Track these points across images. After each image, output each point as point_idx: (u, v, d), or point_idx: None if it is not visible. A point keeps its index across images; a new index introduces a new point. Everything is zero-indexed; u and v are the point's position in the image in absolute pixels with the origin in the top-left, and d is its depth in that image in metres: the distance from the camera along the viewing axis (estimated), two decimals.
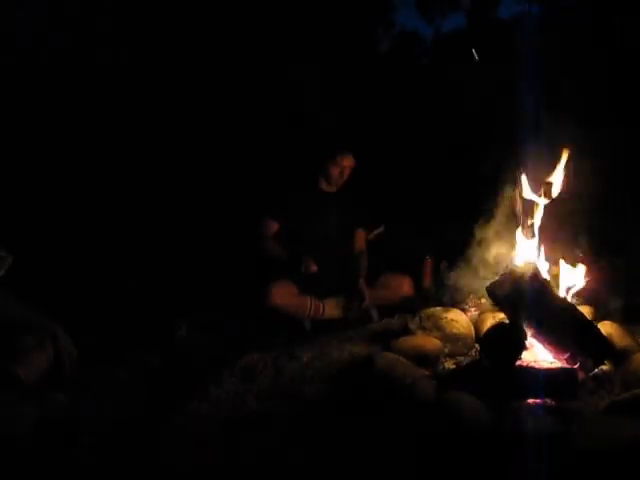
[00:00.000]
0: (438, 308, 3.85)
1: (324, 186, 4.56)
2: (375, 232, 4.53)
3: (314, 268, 4.32)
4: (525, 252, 3.70)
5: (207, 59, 5.47)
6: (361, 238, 4.69)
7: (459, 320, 3.72)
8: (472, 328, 3.74)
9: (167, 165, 5.30)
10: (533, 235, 3.69)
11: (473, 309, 4.04)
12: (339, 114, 5.37)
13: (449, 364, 3.52)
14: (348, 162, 4.45)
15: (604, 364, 3.31)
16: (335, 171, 4.45)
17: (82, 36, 5.22)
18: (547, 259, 3.73)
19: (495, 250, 3.87)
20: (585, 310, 3.63)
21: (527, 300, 3.35)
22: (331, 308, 4.39)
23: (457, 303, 4.09)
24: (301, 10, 5.70)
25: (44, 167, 4.97)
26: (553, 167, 3.68)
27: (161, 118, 5.31)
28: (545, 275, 3.59)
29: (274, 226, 4.48)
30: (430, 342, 3.55)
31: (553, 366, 3.24)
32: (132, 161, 5.23)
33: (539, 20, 5.71)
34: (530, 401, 2.96)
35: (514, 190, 3.80)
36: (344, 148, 4.44)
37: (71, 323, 3.34)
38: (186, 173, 5.32)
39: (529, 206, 3.72)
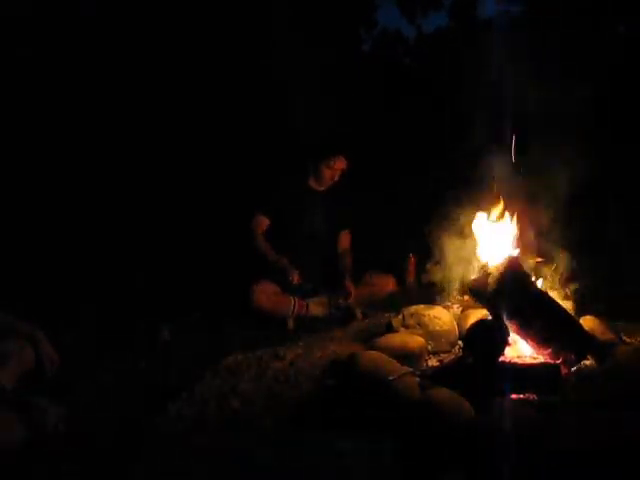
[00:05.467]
0: (421, 305, 3.84)
1: (313, 184, 4.55)
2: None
3: (298, 280, 4.31)
4: (506, 248, 3.71)
5: (201, 59, 5.48)
6: (346, 238, 4.70)
7: (442, 317, 3.72)
8: (455, 325, 3.74)
9: (151, 167, 5.29)
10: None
11: (456, 306, 4.04)
12: (332, 114, 5.38)
13: (432, 361, 3.52)
14: (341, 165, 4.46)
15: (587, 359, 3.33)
16: (328, 173, 4.46)
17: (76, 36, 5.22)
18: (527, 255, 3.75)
19: (476, 247, 3.88)
20: (567, 305, 3.64)
21: (509, 296, 3.36)
22: (315, 307, 4.39)
23: (440, 300, 4.10)
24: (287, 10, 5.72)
25: (32, 167, 4.96)
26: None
27: (151, 115, 5.30)
28: (527, 271, 3.61)
29: (265, 222, 4.46)
30: (413, 340, 3.54)
31: (536, 362, 3.26)
32: (116, 165, 5.22)
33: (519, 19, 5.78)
34: (513, 397, 2.96)
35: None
36: (339, 151, 4.44)
37: (54, 326, 3.33)
38: (172, 173, 5.31)
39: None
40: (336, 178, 4.49)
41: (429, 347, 3.59)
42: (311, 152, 4.52)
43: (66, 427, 2.79)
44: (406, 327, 3.70)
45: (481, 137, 4.30)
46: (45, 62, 5.14)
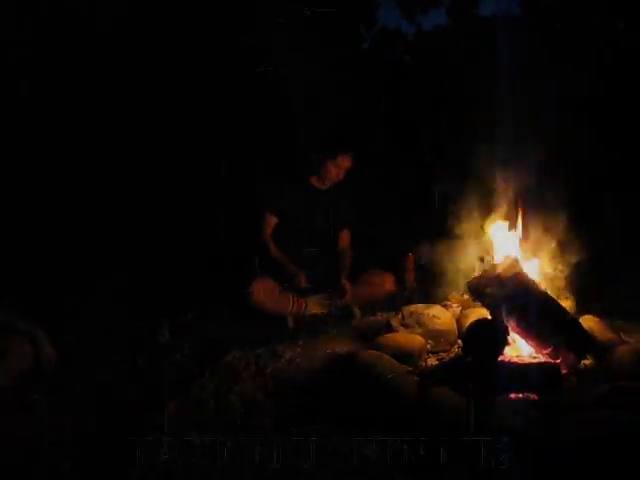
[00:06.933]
0: (420, 305, 3.85)
1: (315, 182, 4.54)
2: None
3: (305, 284, 4.33)
4: (505, 247, 3.71)
5: (202, 60, 5.47)
6: (346, 236, 4.70)
7: (441, 316, 3.72)
8: (454, 324, 3.74)
9: (150, 165, 5.28)
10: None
11: (455, 305, 4.05)
12: (335, 112, 5.37)
13: (432, 360, 3.53)
14: (347, 163, 4.45)
15: (586, 358, 3.32)
16: (334, 171, 4.44)
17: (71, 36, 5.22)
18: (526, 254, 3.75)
19: (476, 246, 3.88)
20: (566, 304, 3.64)
21: (509, 295, 3.36)
22: (314, 305, 4.39)
23: (439, 299, 4.10)
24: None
25: (32, 167, 4.95)
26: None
27: (152, 114, 5.29)
28: (526, 270, 3.60)
29: (274, 221, 4.46)
30: (413, 339, 3.55)
31: (535, 361, 3.26)
32: (113, 160, 5.20)
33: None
34: (513, 396, 2.96)
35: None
36: (347, 149, 4.43)
37: (52, 325, 3.32)
38: (171, 170, 5.30)
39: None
40: (340, 176, 4.49)
41: (428, 346, 3.59)
42: (320, 148, 4.50)
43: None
44: (405, 326, 3.70)
45: (479, 135, 4.30)
46: (45, 63, 5.13)
